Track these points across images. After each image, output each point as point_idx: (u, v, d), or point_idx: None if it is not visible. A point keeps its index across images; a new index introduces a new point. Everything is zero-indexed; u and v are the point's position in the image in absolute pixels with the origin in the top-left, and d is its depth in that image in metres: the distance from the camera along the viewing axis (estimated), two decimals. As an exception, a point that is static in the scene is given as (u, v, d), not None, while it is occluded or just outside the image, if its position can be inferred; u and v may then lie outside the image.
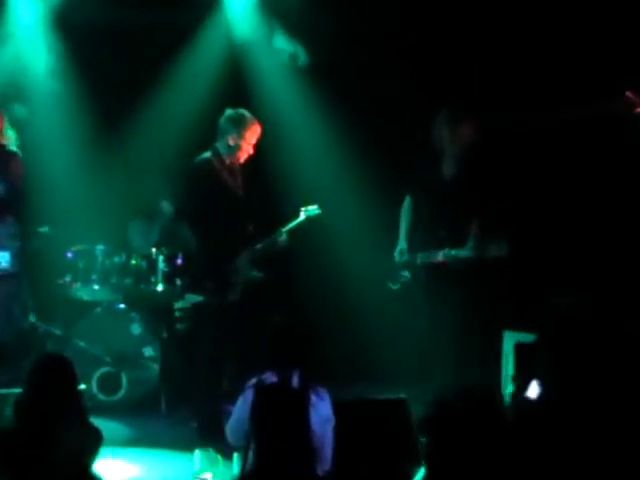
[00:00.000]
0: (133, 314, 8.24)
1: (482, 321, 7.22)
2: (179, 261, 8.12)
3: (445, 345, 7.25)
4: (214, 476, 6.34)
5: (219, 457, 6.55)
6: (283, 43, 8.51)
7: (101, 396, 8.06)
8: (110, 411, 7.72)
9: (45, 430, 4.58)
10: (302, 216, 7.59)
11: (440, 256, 7.30)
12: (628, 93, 7.11)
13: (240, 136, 7.27)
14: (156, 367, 8.12)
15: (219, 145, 7.33)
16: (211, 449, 6.59)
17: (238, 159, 7.36)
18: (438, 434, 3.77)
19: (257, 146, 7.37)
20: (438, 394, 3.92)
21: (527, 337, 6.67)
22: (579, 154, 8.21)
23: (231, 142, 7.28)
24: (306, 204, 7.64)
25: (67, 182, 8.49)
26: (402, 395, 6.11)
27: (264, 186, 8.24)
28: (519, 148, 8.32)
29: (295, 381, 5.18)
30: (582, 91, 7.90)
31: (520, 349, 6.72)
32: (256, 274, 7.40)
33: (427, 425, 3.83)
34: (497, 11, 8.31)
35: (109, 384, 8.10)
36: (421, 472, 4.03)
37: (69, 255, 8.19)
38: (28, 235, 7.81)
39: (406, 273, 7.48)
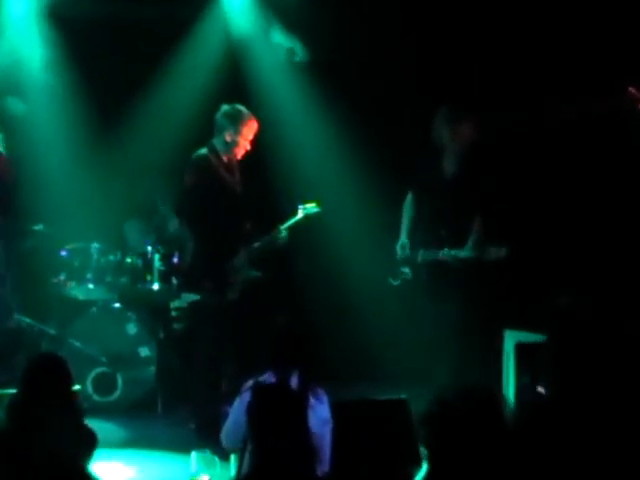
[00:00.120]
0: (129, 313, 8.18)
1: (483, 320, 7.25)
2: (175, 260, 8.08)
3: (445, 344, 7.26)
4: (211, 478, 6.28)
5: (216, 459, 6.49)
6: (281, 38, 8.49)
7: (96, 397, 8.01)
8: (105, 412, 7.68)
9: (39, 431, 4.51)
10: (300, 214, 7.58)
11: (440, 256, 7.30)
12: (631, 89, 7.10)
13: (237, 132, 7.23)
14: (152, 367, 8.06)
15: (216, 141, 7.29)
16: (208, 451, 6.53)
17: (235, 155, 7.33)
18: (438, 434, 3.76)
19: (255, 142, 7.33)
20: (438, 393, 3.88)
21: (528, 337, 6.69)
22: (579, 154, 8.23)
23: (228, 138, 7.24)
24: (304, 202, 7.62)
25: (62, 179, 8.43)
26: (403, 395, 6.12)
27: (262, 183, 8.22)
28: (519, 148, 8.33)
29: (294, 382, 5.17)
30: (582, 90, 7.93)
31: (521, 349, 6.75)
32: (255, 273, 7.36)
33: (427, 424, 3.80)
34: (497, 11, 8.31)
35: (104, 385, 8.04)
36: (421, 472, 4.01)
37: (63, 253, 8.14)
38: (17, 233, 7.76)
39: (407, 270, 7.49)
